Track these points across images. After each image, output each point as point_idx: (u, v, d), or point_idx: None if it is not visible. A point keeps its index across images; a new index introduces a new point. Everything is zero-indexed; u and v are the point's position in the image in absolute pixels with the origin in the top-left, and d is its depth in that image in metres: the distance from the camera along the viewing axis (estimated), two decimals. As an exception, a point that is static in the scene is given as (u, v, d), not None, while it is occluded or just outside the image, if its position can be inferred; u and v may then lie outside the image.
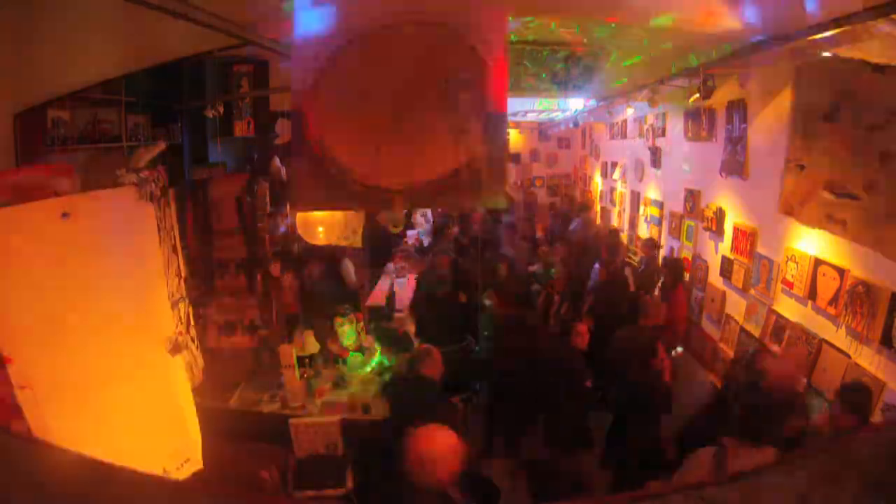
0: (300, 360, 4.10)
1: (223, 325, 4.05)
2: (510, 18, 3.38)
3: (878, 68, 2.67)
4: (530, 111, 9.50)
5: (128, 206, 2.12)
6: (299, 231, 4.13)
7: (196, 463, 2.38)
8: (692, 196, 5.66)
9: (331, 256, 5.12)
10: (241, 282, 3.96)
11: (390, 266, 6.70)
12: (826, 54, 2.92)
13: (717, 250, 5.07)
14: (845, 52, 2.81)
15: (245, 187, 3.62)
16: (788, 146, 3.03)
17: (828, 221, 3.14)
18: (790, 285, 3.83)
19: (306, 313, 4.73)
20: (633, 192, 7.82)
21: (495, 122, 1.71)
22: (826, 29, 2.51)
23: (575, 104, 7.87)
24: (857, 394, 2.83)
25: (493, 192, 1.74)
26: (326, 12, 1.76)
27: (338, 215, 4.09)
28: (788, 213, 3.12)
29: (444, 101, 1.68)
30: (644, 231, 7.28)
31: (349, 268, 5.25)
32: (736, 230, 4.70)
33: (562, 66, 4.36)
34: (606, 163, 9.43)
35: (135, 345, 2.15)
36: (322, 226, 3.89)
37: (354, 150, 1.74)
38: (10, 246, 1.70)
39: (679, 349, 4.47)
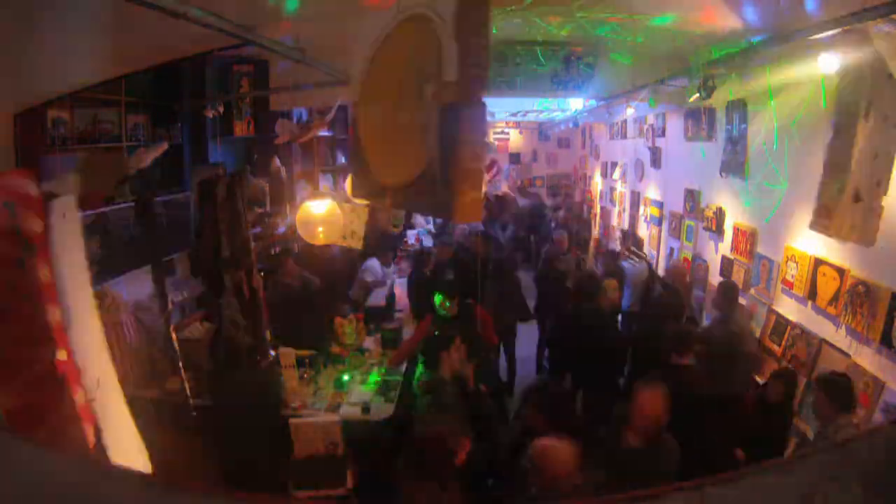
0: (300, 360, 4.10)
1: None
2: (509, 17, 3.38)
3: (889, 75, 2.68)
4: (530, 111, 9.53)
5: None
6: (299, 231, 4.13)
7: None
8: (692, 196, 5.66)
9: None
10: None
11: (375, 263, 6.69)
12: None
13: (717, 250, 5.07)
14: (845, 52, 2.81)
15: (227, 185, 3.55)
16: (836, 149, 2.96)
17: (851, 230, 3.12)
18: (790, 285, 3.83)
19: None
20: (633, 192, 7.82)
21: (454, 120, 1.35)
22: (826, 29, 2.51)
23: (575, 104, 7.88)
24: (838, 383, 2.79)
25: (454, 205, 1.35)
26: (364, 18, 1.78)
27: (338, 216, 4.09)
28: (823, 229, 3.04)
29: (415, 97, 1.49)
30: (644, 231, 7.28)
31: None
32: (736, 230, 4.70)
33: (562, 66, 4.36)
34: (606, 163, 9.44)
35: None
36: (322, 226, 3.89)
37: (371, 147, 1.75)
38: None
39: None
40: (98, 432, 1.83)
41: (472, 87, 1.33)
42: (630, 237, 7.47)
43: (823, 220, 3.22)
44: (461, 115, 1.33)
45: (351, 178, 1.91)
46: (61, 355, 1.76)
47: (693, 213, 5.65)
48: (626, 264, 6.09)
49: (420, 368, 3.91)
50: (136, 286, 4.05)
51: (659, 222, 6.70)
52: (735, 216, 4.77)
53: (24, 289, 1.66)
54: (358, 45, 1.77)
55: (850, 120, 2.98)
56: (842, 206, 3.06)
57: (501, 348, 5.83)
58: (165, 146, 4.17)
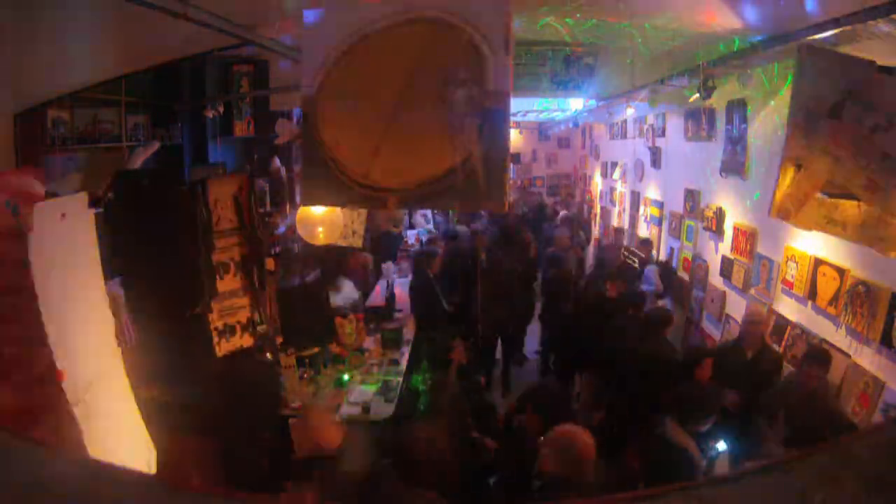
0: (300, 360, 4.10)
1: (222, 328, 4.04)
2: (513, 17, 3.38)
3: (886, 69, 2.67)
4: (530, 111, 9.52)
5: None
6: (299, 231, 4.13)
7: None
8: (692, 196, 5.66)
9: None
10: (240, 283, 3.94)
11: (391, 266, 6.70)
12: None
13: (717, 250, 5.07)
14: (846, 51, 2.81)
15: (241, 186, 3.59)
16: (787, 143, 3.01)
17: (827, 223, 3.12)
18: (790, 285, 3.83)
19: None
20: (633, 192, 7.82)
21: (495, 120, 1.65)
22: (826, 29, 2.52)
23: (575, 104, 7.87)
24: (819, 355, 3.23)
25: (491, 194, 1.69)
26: (331, 12, 1.74)
27: (338, 215, 4.08)
28: (784, 216, 3.09)
29: (442, 99, 1.66)
30: (644, 231, 7.28)
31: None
32: (736, 230, 4.70)
33: (562, 66, 4.36)
34: (606, 163, 9.44)
35: (101, 341, 2.18)
36: (322, 226, 3.88)
37: (351, 149, 1.73)
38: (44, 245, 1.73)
39: None
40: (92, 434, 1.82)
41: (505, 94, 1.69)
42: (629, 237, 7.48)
43: (784, 206, 3.22)
44: (503, 116, 1.66)
45: (304, 186, 1.84)
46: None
47: (693, 213, 5.65)
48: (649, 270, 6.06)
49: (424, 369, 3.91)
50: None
51: (659, 222, 6.70)
52: (735, 216, 4.77)
53: (30, 289, 1.65)
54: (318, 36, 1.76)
55: (811, 116, 2.99)
56: (796, 195, 3.05)
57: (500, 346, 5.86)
58: (157, 145, 4.17)
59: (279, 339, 3.99)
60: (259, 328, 3.78)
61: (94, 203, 3.85)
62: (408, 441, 2.38)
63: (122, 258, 2.96)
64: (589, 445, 2.21)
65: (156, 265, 2.96)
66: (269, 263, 4.05)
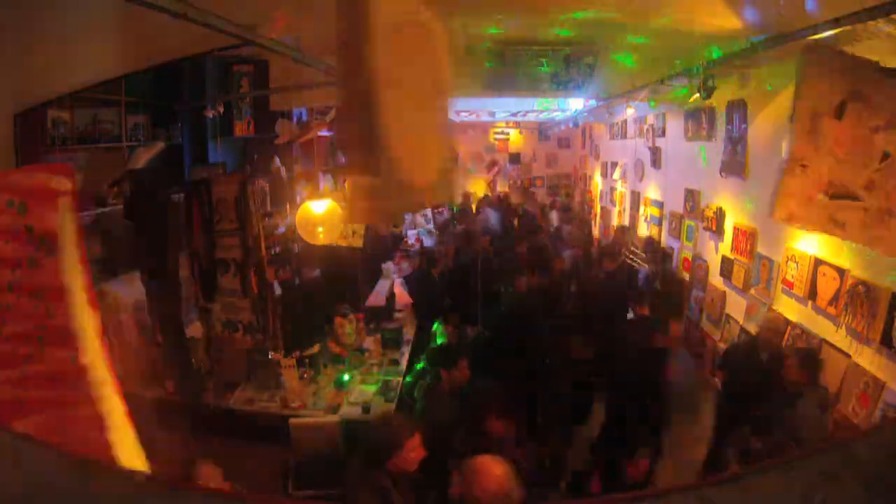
0: (300, 360, 4.10)
1: (224, 323, 4.04)
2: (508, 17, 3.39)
3: (888, 71, 2.67)
4: (530, 111, 9.52)
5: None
6: (299, 231, 4.13)
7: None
8: (692, 196, 5.66)
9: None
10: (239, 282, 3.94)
11: (391, 266, 6.70)
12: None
13: (717, 250, 5.08)
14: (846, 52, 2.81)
15: (241, 187, 3.59)
16: (791, 145, 3.00)
17: (829, 224, 3.12)
18: (790, 285, 3.83)
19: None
20: (633, 192, 7.82)
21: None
22: (826, 29, 2.52)
23: (575, 104, 7.87)
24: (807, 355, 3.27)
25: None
26: None
27: (338, 215, 4.09)
28: (787, 219, 3.09)
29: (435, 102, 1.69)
30: (644, 231, 7.28)
31: None
32: (736, 230, 4.70)
33: (562, 66, 4.35)
34: (606, 163, 9.44)
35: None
36: (322, 226, 3.89)
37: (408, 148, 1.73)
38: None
39: None
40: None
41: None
42: (629, 235, 7.48)
43: (788, 209, 3.22)
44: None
45: (365, 196, 1.68)
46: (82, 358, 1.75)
47: (693, 213, 5.65)
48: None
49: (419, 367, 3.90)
50: (136, 286, 4.05)
51: (659, 222, 6.70)
52: (735, 216, 4.77)
53: (38, 288, 1.64)
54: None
55: (815, 116, 2.99)
56: (799, 197, 3.05)
57: None
58: (161, 146, 4.18)
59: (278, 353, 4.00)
60: (257, 336, 3.78)
61: (98, 201, 3.86)
62: (373, 434, 2.50)
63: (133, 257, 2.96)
64: (500, 478, 2.02)
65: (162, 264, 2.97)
66: (271, 274, 4.06)
